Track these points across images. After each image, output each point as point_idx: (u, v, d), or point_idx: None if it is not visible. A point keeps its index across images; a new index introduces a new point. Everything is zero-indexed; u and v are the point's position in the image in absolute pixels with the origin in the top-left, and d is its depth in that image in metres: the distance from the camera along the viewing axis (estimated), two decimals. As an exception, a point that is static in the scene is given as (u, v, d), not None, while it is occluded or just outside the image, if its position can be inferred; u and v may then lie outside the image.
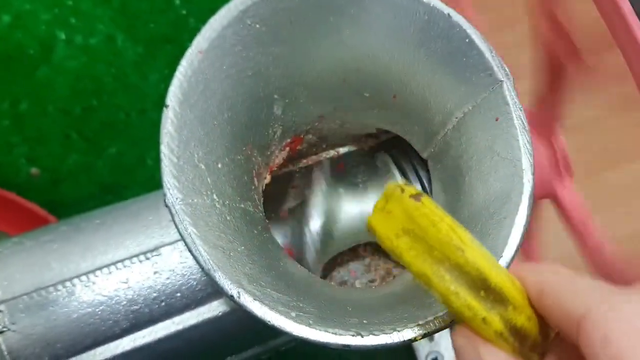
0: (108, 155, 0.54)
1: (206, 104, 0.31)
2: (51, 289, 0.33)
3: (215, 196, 0.30)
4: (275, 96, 0.34)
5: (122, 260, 0.33)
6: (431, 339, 0.47)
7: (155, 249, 0.33)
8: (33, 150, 0.54)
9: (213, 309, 0.34)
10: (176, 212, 0.28)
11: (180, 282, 0.33)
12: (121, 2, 0.58)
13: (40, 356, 0.32)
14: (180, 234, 0.28)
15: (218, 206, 0.30)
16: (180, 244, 0.33)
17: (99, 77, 0.56)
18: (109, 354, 0.33)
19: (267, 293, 0.28)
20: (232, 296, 0.27)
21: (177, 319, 0.33)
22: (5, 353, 0.32)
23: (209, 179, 0.30)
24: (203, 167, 0.30)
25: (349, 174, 0.40)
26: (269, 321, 0.27)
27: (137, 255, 0.33)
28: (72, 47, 0.57)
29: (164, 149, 0.29)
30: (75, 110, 0.55)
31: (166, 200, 0.28)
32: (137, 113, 0.55)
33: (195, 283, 0.33)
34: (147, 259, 0.33)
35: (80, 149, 0.54)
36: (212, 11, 0.30)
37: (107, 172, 0.53)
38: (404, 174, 0.36)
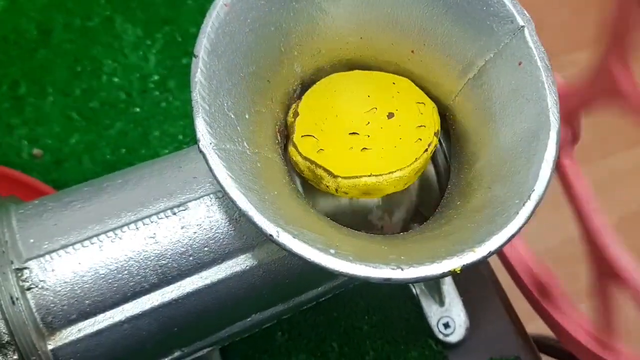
0: (110, 134, 0.54)
1: (232, 55, 0.31)
2: (78, 245, 0.32)
3: (245, 144, 0.30)
4: (296, 53, 0.35)
5: (149, 216, 0.33)
6: (442, 304, 0.47)
7: (182, 204, 0.33)
8: (34, 131, 0.53)
9: (240, 262, 0.34)
10: (211, 157, 0.28)
11: (208, 236, 0.33)
12: (118, -16, 0.58)
13: (69, 313, 0.32)
14: (215, 177, 0.28)
15: (249, 153, 0.30)
16: (207, 199, 0.34)
17: (98, 59, 0.56)
18: (137, 310, 0.33)
19: (304, 233, 0.28)
20: (271, 235, 0.27)
21: (204, 273, 0.33)
22: (34, 310, 0.31)
23: (239, 128, 0.31)
24: (232, 115, 0.31)
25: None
26: (309, 258, 0.27)
27: (164, 211, 0.33)
28: (70, 30, 0.57)
29: (195, 97, 0.29)
30: (75, 91, 0.55)
31: (200, 146, 0.29)
32: (138, 93, 0.55)
33: (222, 237, 0.33)
34: (174, 214, 0.33)
35: (82, 129, 0.53)
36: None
37: (109, 151, 0.53)
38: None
